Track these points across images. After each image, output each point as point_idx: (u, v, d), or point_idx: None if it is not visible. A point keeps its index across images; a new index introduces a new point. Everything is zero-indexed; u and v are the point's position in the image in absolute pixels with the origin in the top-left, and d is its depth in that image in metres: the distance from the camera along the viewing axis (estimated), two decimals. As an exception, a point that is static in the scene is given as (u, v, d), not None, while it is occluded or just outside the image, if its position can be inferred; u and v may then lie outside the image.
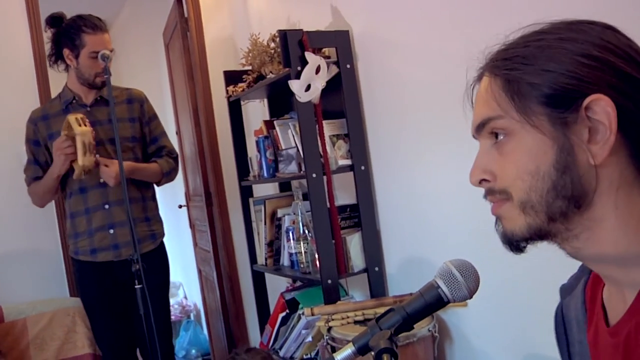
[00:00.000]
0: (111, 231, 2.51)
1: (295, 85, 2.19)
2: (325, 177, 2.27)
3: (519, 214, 0.73)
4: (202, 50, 3.44)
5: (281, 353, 2.48)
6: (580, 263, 0.88)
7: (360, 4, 2.31)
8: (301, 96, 2.20)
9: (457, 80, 1.87)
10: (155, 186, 2.70)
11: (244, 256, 3.22)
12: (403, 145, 2.18)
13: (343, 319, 2.05)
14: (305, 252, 2.42)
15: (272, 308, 2.81)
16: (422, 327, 1.94)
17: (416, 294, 0.83)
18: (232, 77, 2.80)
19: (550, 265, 1.60)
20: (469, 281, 0.82)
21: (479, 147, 0.79)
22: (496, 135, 0.75)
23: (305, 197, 2.50)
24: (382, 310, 2.07)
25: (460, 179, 1.93)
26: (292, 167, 2.42)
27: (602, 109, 0.68)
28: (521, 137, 0.72)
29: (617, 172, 0.71)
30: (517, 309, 1.79)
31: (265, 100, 2.97)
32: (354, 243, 2.33)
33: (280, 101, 2.84)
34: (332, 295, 2.24)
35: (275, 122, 2.59)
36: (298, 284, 2.77)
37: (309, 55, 2.19)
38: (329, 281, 2.24)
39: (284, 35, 2.22)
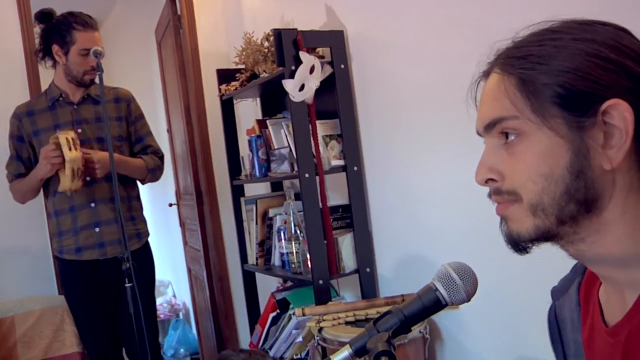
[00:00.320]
0: (97, 229, 2.49)
1: (289, 85, 2.18)
2: (317, 178, 2.27)
3: (528, 216, 0.72)
4: (195, 48, 3.42)
5: (271, 353, 2.47)
6: (572, 264, 0.88)
7: (354, 4, 2.31)
8: (295, 96, 2.19)
9: (451, 80, 1.89)
10: (139, 186, 2.69)
11: (234, 255, 3.20)
12: (396, 146, 2.18)
13: (334, 319, 2.05)
14: (296, 252, 2.41)
15: (262, 308, 2.80)
16: (414, 329, 1.94)
17: (414, 297, 0.83)
18: (225, 76, 2.78)
19: (541, 267, 1.61)
20: (467, 284, 0.81)
21: (484, 145, 0.77)
22: (506, 135, 0.74)
23: (297, 197, 2.49)
24: (373, 311, 2.07)
25: (453, 180, 1.95)
26: (285, 167, 2.42)
27: (619, 114, 0.68)
28: (535, 138, 0.71)
29: (627, 177, 0.70)
30: (508, 311, 1.79)
31: (258, 99, 2.96)
32: (345, 244, 2.33)
33: (273, 100, 2.83)
34: (323, 295, 2.23)
35: (267, 122, 2.59)
36: (289, 284, 2.76)
37: (303, 55, 2.19)
38: (321, 282, 2.23)
39: (278, 34, 2.21)
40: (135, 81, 4.71)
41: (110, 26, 5.33)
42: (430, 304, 0.82)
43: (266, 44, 2.46)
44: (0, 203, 2.86)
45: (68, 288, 2.62)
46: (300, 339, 2.34)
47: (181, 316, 4.84)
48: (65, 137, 2.29)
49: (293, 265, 2.44)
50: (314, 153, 2.26)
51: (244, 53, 2.55)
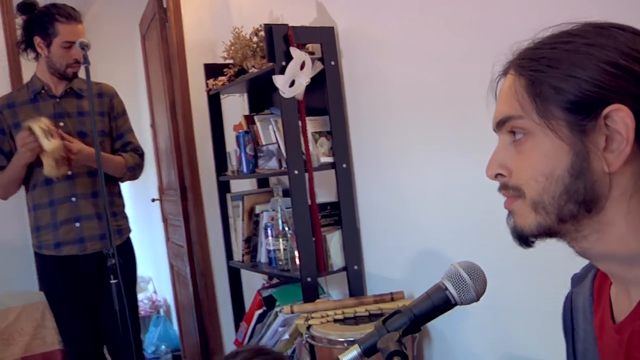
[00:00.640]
0: (77, 224, 2.46)
1: (279, 81, 2.16)
2: (307, 174, 2.25)
3: (530, 212, 0.75)
4: (181, 42, 3.39)
5: (257, 351, 2.45)
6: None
7: (345, 0, 2.30)
8: (285, 92, 2.17)
9: (442, 79, 1.88)
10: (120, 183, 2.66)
11: (218, 252, 3.18)
12: (386, 144, 2.17)
13: (323, 317, 2.04)
14: (284, 249, 2.40)
15: (247, 305, 2.78)
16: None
17: (423, 296, 0.83)
18: (212, 70, 2.75)
19: (532, 266, 1.62)
20: (477, 284, 0.81)
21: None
22: (515, 133, 0.76)
23: (285, 193, 2.48)
24: (362, 309, 2.07)
25: (441, 179, 1.95)
26: (273, 163, 2.40)
27: (621, 119, 0.69)
28: (539, 139, 0.73)
29: (631, 180, 0.72)
30: (496, 309, 1.80)
31: (245, 95, 2.93)
32: (334, 241, 2.32)
33: (261, 96, 2.81)
34: (311, 293, 2.22)
35: (255, 118, 2.56)
36: (274, 281, 2.75)
37: (294, 51, 2.17)
38: (309, 279, 2.22)
39: (269, 29, 2.19)
40: (118, 74, 4.65)
41: (92, 17, 5.24)
42: (440, 304, 0.82)
43: (255, 39, 2.44)
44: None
45: (47, 284, 2.58)
46: (286, 336, 2.33)
47: (162, 313, 4.80)
48: (39, 125, 2.25)
49: (280, 263, 2.42)
50: (304, 150, 2.25)
51: (232, 48, 2.52)
